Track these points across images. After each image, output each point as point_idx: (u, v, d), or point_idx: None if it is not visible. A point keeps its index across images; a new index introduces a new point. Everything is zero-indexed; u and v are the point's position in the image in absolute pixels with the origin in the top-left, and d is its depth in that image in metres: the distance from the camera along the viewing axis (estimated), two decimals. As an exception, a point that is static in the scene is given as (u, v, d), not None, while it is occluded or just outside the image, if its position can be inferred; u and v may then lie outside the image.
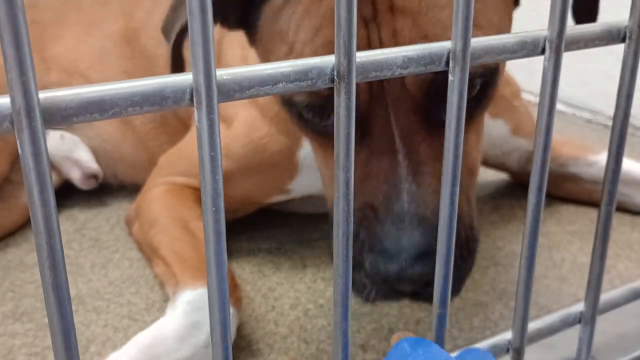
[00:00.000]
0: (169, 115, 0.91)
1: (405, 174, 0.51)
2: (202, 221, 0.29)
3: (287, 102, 0.54)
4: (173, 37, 0.58)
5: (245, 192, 0.77)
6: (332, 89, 0.45)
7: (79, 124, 0.97)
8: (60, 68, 0.97)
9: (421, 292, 0.51)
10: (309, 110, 0.53)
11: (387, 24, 0.48)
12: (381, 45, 0.48)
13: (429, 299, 0.50)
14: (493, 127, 0.84)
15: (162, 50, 0.90)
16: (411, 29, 0.48)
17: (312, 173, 0.73)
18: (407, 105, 0.50)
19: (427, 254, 0.49)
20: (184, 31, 0.58)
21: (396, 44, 0.48)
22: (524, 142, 0.87)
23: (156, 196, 0.77)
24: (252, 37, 0.57)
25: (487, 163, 0.90)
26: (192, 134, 0.82)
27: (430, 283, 0.48)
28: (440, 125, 0.50)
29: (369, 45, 0.48)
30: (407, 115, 0.50)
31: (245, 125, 0.73)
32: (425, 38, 0.48)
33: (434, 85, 0.48)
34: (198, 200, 0.77)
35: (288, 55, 0.51)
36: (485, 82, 0.52)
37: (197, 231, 0.71)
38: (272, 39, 0.53)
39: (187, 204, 0.76)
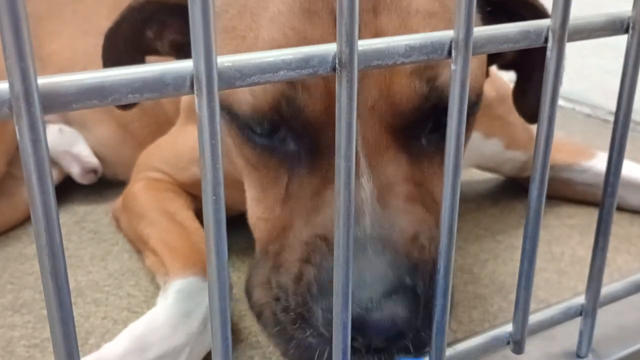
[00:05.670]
0: (165, 121, 0.91)
1: (369, 197, 0.43)
2: (202, 210, 0.29)
3: (227, 111, 0.47)
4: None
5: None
6: (281, 94, 0.43)
7: (78, 128, 0.97)
8: (56, 67, 0.95)
9: (387, 351, 0.42)
10: (254, 123, 0.46)
11: (368, 23, 0.45)
12: None
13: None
14: (487, 145, 0.83)
15: None
16: (397, 29, 0.44)
17: None
18: (384, 119, 0.45)
19: (397, 290, 0.40)
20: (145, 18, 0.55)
21: None
22: (518, 153, 0.86)
23: (138, 191, 0.77)
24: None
25: (481, 168, 0.90)
26: (170, 132, 0.82)
27: (402, 333, 0.40)
28: (414, 143, 0.47)
29: None
30: (378, 131, 0.45)
31: None
32: None
33: (428, 101, 0.45)
34: (176, 191, 0.77)
35: (237, 50, 0.46)
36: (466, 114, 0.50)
37: (184, 222, 0.71)
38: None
39: (168, 195, 0.76)
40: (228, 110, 0.47)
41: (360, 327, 0.39)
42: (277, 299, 0.46)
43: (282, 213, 0.48)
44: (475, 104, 0.51)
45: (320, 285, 0.42)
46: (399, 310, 0.39)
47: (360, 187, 0.43)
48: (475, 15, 0.52)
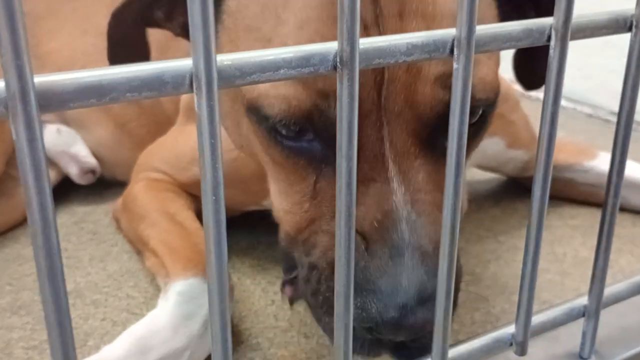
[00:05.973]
0: (164, 121, 0.90)
1: (402, 202, 0.44)
2: (202, 211, 0.28)
3: (255, 112, 0.47)
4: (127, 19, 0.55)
5: None
6: (314, 105, 0.44)
7: (76, 128, 0.97)
8: (55, 66, 0.94)
9: (407, 347, 0.44)
10: (283, 126, 0.46)
11: (393, 29, 0.44)
12: None
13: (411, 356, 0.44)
14: (488, 144, 0.82)
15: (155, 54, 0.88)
16: None
17: None
18: (410, 126, 0.45)
19: (429, 298, 0.42)
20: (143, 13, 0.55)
21: None
22: (520, 153, 0.85)
23: (138, 191, 0.77)
24: None
25: (482, 168, 0.90)
26: (171, 132, 0.82)
27: (421, 337, 0.43)
28: (438, 150, 0.47)
29: None
30: (406, 138, 0.45)
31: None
32: None
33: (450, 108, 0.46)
34: (177, 192, 0.76)
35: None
36: (485, 112, 0.50)
37: (185, 222, 0.71)
38: (236, 38, 0.49)
39: (169, 196, 0.76)
40: (257, 112, 0.47)
41: (395, 329, 0.41)
42: (308, 281, 0.47)
43: (310, 208, 0.49)
44: (494, 103, 0.50)
45: (358, 283, 0.42)
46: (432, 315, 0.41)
47: (391, 192, 0.44)
48: (491, 3, 0.52)
